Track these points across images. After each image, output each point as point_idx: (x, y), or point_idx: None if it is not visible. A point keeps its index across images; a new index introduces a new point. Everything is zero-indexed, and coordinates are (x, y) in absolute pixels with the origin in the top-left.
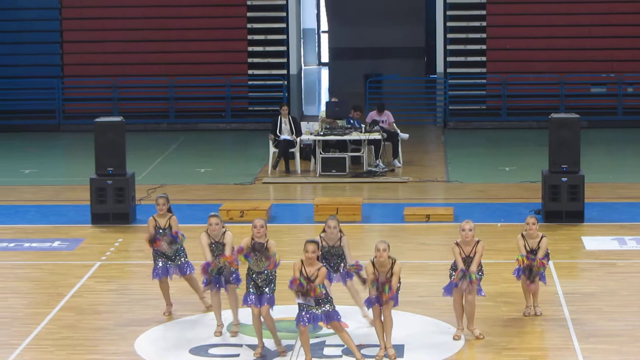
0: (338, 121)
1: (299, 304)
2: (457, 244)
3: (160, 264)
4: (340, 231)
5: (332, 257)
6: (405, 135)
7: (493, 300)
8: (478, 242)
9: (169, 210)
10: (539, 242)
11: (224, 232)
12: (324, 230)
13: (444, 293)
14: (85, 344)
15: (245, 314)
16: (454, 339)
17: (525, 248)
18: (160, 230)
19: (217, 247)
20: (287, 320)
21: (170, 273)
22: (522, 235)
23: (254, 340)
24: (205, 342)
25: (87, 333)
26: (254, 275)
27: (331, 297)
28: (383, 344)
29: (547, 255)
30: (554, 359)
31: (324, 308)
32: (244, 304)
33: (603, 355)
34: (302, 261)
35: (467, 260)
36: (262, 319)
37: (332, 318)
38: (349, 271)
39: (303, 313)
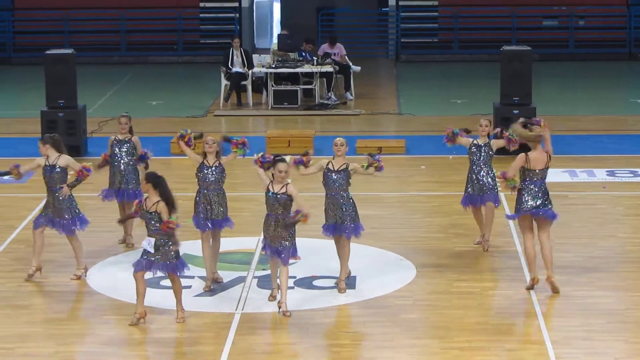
0: (290, 54)
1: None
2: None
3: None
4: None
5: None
6: (357, 68)
7: (445, 232)
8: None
9: (130, 130)
10: None
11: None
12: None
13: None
14: (36, 275)
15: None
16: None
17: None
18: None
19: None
20: (240, 252)
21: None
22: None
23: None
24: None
25: None
26: (205, 191)
27: (172, 253)
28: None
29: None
30: (505, 290)
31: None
32: (197, 228)
33: None
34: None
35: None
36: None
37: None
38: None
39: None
